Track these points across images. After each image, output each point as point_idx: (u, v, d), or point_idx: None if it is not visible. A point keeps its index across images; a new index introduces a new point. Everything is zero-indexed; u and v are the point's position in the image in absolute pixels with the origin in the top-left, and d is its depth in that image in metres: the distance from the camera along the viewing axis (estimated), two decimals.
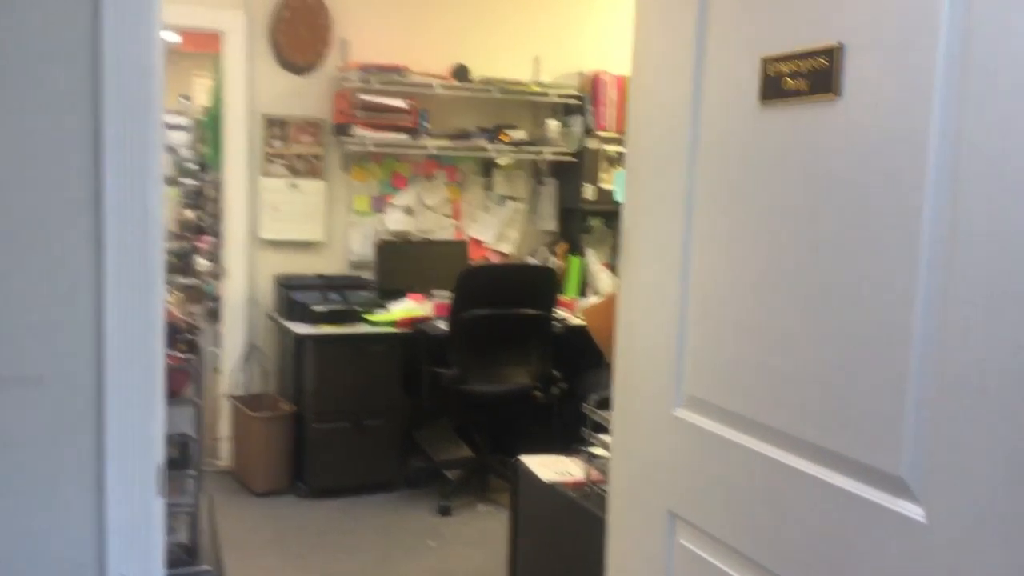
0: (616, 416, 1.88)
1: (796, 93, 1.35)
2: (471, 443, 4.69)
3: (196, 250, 9.85)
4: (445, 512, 4.20)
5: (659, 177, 1.72)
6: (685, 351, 1.65)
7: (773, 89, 1.40)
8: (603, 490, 2.20)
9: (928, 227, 1.14)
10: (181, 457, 1.70)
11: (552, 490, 2.30)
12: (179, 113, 10.12)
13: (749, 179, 1.48)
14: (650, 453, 1.74)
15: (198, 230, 9.90)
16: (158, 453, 1.47)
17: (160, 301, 1.46)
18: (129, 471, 1.43)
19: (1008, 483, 1.04)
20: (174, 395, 1.66)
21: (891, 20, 1.20)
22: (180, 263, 10.63)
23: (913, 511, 1.17)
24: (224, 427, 4.68)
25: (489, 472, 4.50)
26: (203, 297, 6.39)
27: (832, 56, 1.28)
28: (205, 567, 1.63)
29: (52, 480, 1.38)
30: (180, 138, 10.27)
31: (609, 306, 1.88)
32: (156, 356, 1.44)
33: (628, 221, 1.84)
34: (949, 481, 1.11)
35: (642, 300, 1.78)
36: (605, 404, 2.24)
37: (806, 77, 1.34)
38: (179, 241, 10.96)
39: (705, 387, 1.61)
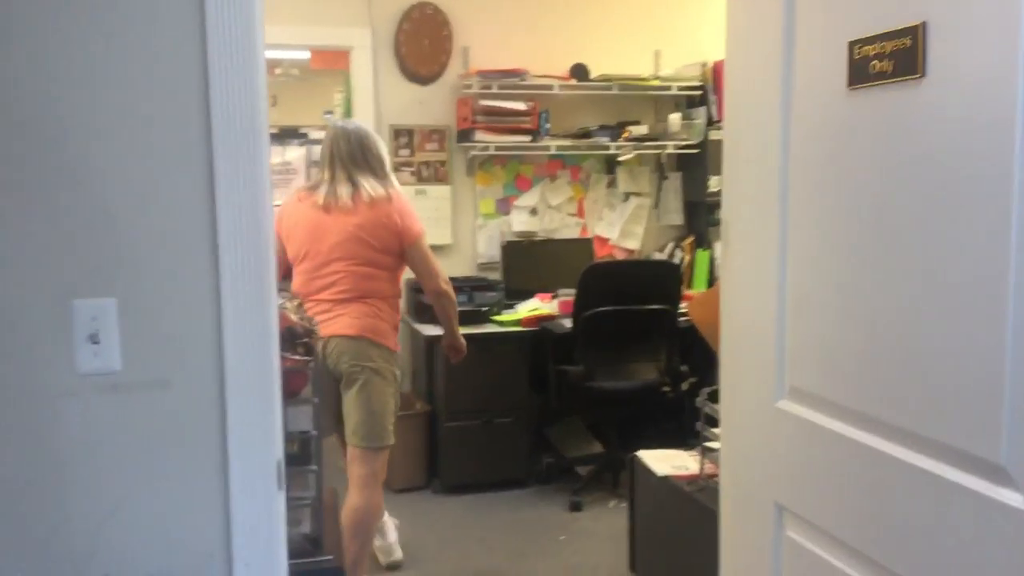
0: (724, 409, 1.88)
1: (882, 76, 1.34)
2: (602, 439, 4.71)
3: None
4: (576, 508, 4.23)
5: (754, 167, 1.71)
6: (786, 342, 1.64)
7: (860, 73, 1.39)
8: (716, 483, 2.19)
9: (1019, 206, 1.11)
10: (302, 453, 1.80)
11: (666, 484, 2.30)
12: (322, 128, 10.57)
13: (840, 165, 1.47)
14: (756, 445, 1.74)
15: None
16: (277, 449, 1.57)
17: (273, 309, 1.55)
18: (251, 467, 1.52)
19: None
20: (293, 395, 1.76)
21: None
22: None
23: (1014, 499, 1.14)
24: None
25: (620, 467, 4.51)
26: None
27: (916, 35, 1.26)
28: (328, 557, 1.73)
29: (181, 477, 1.49)
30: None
31: (713, 298, 1.88)
32: (271, 360, 1.54)
33: (727, 212, 1.84)
34: None
35: (742, 291, 1.77)
36: (718, 397, 2.23)
37: (891, 58, 1.32)
38: None
39: (807, 378, 1.60)
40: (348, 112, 4.90)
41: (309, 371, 1.80)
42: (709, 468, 2.28)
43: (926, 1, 1.25)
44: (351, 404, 3.09)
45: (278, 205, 3.05)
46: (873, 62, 1.35)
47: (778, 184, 1.63)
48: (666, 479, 2.29)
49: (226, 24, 1.45)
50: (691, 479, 2.27)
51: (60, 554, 1.44)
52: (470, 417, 4.35)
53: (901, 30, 1.28)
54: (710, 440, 2.31)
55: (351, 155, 3.14)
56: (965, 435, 1.22)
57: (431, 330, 4.28)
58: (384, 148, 3.24)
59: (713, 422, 2.28)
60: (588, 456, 4.67)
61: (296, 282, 3.19)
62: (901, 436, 1.35)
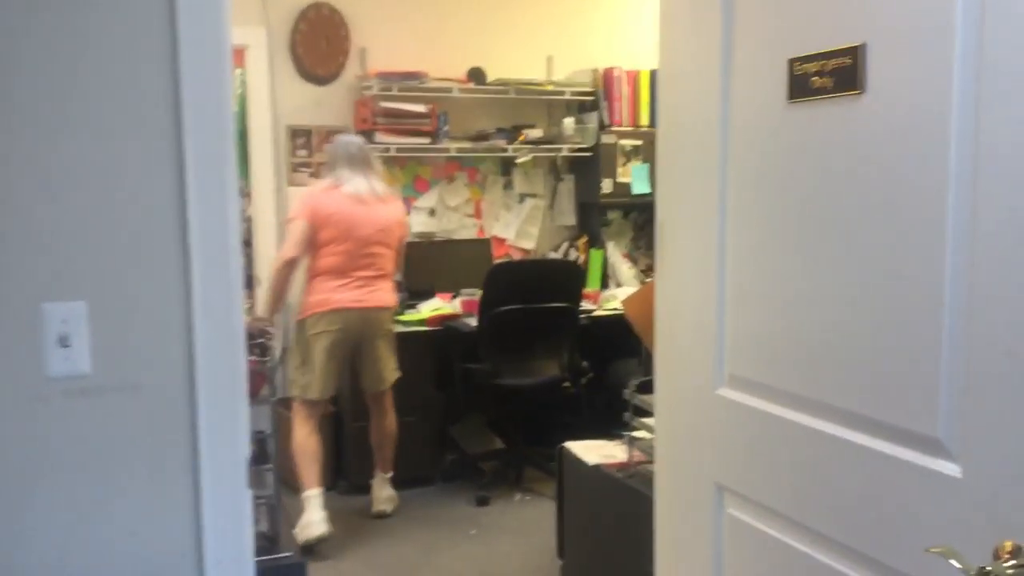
0: (659, 399, 1.99)
1: (822, 91, 1.46)
2: (504, 436, 4.80)
3: None
4: (483, 502, 4.31)
5: (692, 171, 1.82)
6: (725, 333, 1.75)
7: (800, 88, 1.51)
8: (647, 469, 2.32)
9: (953, 207, 1.25)
10: (260, 453, 1.82)
11: (598, 472, 2.41)
12: None
13: (779, 171, 1.59)
14: (696, 431, 1.85)
15: None
16: (245, 449, 1.59)
17: (240, 312, 1.57)
18: (221, 466, 1.54)
19: None
20: (252, 396, 1.78)
21: (910, 19, 1.31)
22: None
23: (950, 468, 1.28)
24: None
25: (523, 463, 4.62)
26: None
27: (855, 55, 1.39)
28: (287, 554, 1.75)
29: (151, 478, 1.50)
30: None
31: (647, 295, 1.99)
32: (240, 360, 1.56)
33: (663, 211, 1.94)
34: (983, 439, 1.22)
35: (681, 288, 1.89)
36: (644, 389, 2.36)
37: (831, 75, 1.44)
38: None
39: (746, 366, 1.71)
40: (243, 111, 4.83)
41: (266, 371, 1.81)
42: (636, 456, 2.40)
43: (865, 22, 1.38)
44: (375, 359, 4.03)
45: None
46: (813, 78, 1.48)
47: (717, 188, 1.74)
48: (597, 467, 2.40)
49: (196, 34, 1.46)
50: (621, 467, 2.38)
51: (29, 559, 1.43)
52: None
53: (842, 50, 1.41)
54: (637, 430, 2.43)
55: (361, 158, 3.96)
56: (903, 412, 1.35)
57: None
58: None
59: (640, 412, 2.39)
60: (491, 452, 4.76)
61: (330, 262, 3.87)
62: (842, 416, 1.47)
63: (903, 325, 1.34)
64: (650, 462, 2.28)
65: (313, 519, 3.82)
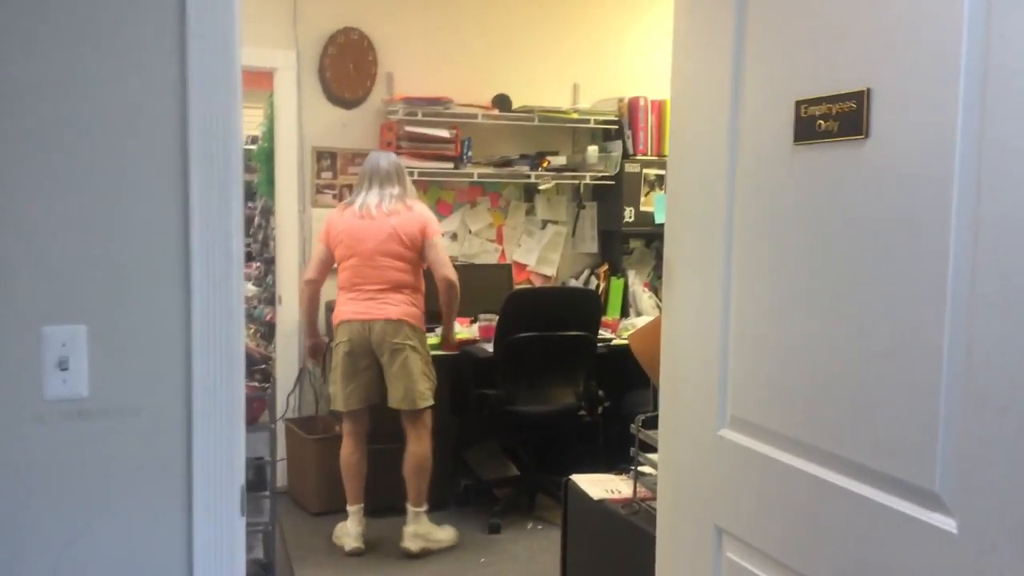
0: (663, 437, 1.97)
1: (827, 134, 1.45)
2: (518, 462, 4.78)
3: (244, 276, 10.10)
4: (495, 530, 4.29)
5: (699, 207, 1.81)
6: (728, 374, 1.74)
7: (806, 130, 1.50)
8: (651, 507, 2.29)
9: (954, 260, 1.23)
10: (257, 479, 1.82)
11: (602, 507, 2.39)
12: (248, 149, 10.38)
13: (784, 212, 1.57)
14: (697, 472, 1.83)
15: (246, 256, 10.16)
16: (240, 476, 1.59)
17: (241, 337, 1.58)
18: (215, 493, 1.54)
19: None
20: (251, 422, 1.78)
21: (915, 65, 1.29)
22: None
23: (946, 523, 1.25)
24: (280, 449, 4.81)
25: (537, 490, 4.59)
26: (251, 322, 6.58)
27: (861, 100, 1.38)
28: None
29: (144, 503, 1.50)
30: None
31: (654, 330, 1.98)
32: (238, 387, 1.56)
33: (670, 248, 1.94)
34: (979, 495, 1.20)
35: (685, 325, 1.87)
36: (652, 423, 2.33)
37: (836, 119, 1.43)
38: None
39: (748, 408, 1.69)
40: (271, 133, 4.88)
41: (267, 397, 1.82)
42: (642, 492, 2.37)
43: (870, 68, 1.37)
44: (395, 376, 3.94)
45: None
46: (819, 121, 1.47)
47: (723, 227, 1.73)
48: (602, 502, 2.38)
49: (205, 60, 1.47)
50: (625, 502, 2.36)
51: None
52: (389, 440, 4.35)
53: (847, 94, 1.40)
54: (643, 465, 2.40)
55: (387, 173, 4.00)
56: (901, 463, 1.33)
57: None
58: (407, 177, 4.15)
59: (647, 447, 2.37)
60: (505, 479, 4.73)
61: (343, 276, 3.99)
62: (841, 464, 1.45)
63: (904, 374, 1.32)
64: (654, 498, 2.25)
65: (348, 532, 4.04)
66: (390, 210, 3.94)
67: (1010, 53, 1.15)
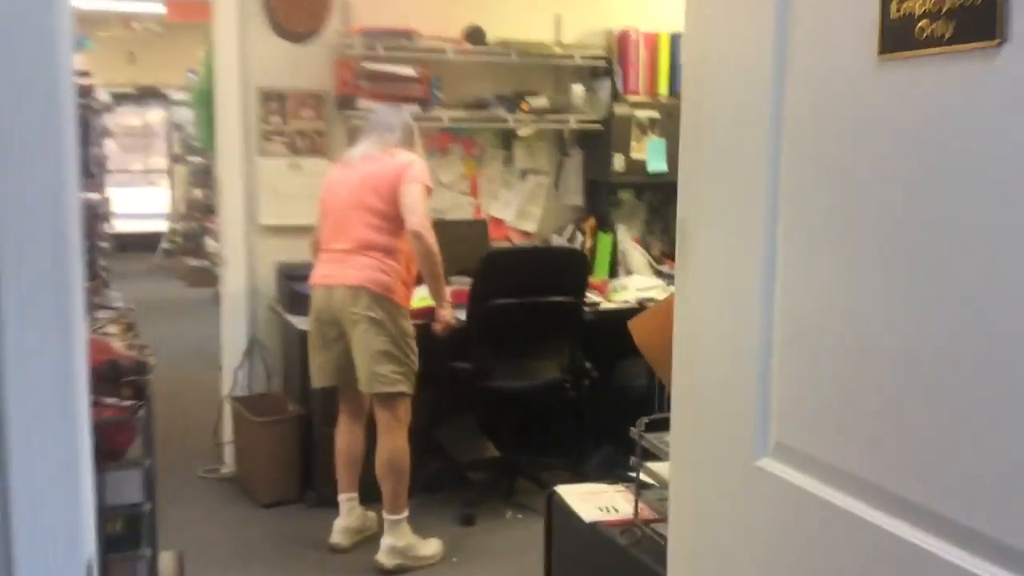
0: (676, 461, 1.49)
1: (935, 41, 0.99)
2: (496, 440, 4.31)
3: (206, 231, 9.52)
4: (468, 521, 3.83)
5: (730, 157, 1.32)
6: (772, 383, 1.26)
7: (899, 38, 1.04)
8: (658, 534, 1.81)
9: None
10: (129, 533, 1.31)
11: (594, 531, 1.90)
12: (186, 89, 9.76)
13: (860, 160, 1.11)
14: (723, 516, 1.35)
15: (207, 210, 9.57)
16: (87, 547, 1.09)
17: (81, 343, 1.06)
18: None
19: None
20: (116, 456, 1.28)
21: None
22: (190, 245, 10.36)
23: None
24: (227, 431, 4.33)
25: (517, 474, 4.14)
26: (214, 281, 6.04)
27: None
28: None
29: None
30: (187, 115, 9.94)
31: (663, 318, 1.48)
32: (77, 417, 1.06)
33: (686, 208, 1.43)
34: None
35: (707, 312, 1.38)
36: (655, 427, 1.85)
37: (951, 17, 0.97)
38: (187, 222, 10.69)
39: (800, 432, 1.23)
40: (209, 72, 4.32)
41: (138, 422, 1.30)
42: (644, 512, 1.89)
43: None
44: (355, 352, 3.37)
45: None
46: (921, 23, 0.99)
47: (766, 180, 1.24)
48: (594, 527, 1.89)
49: None
50: (625, 526, 1.88)
51: None
52: None
53: None
54: (644, 475, 1.93)
55: (384, 126, 3.51)
56: (1011, 525, 0.91)
57: (303, 321, 3.78)
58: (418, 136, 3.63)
59: (648, 454, 1.90)
60: (482, 461, 4.29)
61: (321, 235, 3.51)
62: (925, 518, 1.02)
63: (1018, 392, 0.89)
64: (662, 520, 1.78)
65: (336, 526, 3.59)
66: (367, 155, 3.44)
67: None
